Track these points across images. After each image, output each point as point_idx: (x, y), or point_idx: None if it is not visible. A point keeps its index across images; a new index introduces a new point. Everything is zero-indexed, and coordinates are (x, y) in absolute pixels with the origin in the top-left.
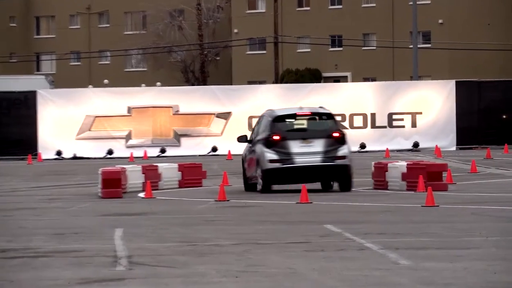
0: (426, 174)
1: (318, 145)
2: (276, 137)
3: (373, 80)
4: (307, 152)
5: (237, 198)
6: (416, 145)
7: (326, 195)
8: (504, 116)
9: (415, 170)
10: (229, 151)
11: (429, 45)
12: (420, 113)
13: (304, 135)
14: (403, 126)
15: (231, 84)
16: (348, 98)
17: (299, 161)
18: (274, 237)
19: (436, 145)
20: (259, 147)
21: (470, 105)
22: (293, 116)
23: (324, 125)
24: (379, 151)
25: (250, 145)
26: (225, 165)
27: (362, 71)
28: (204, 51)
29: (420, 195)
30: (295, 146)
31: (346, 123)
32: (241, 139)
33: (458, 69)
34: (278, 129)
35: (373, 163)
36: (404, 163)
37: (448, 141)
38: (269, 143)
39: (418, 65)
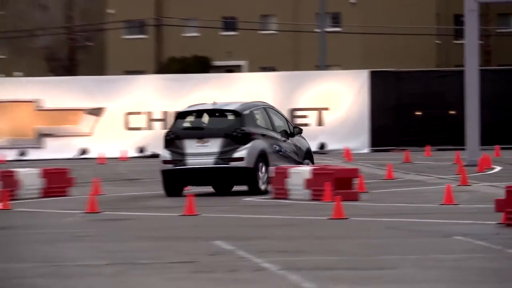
0: (333, 181)
1: (214, 146)
2: (172, 136)
3: (273, 70)
4: (201, 153)
5: (111, 210)
6: (322, 146)
7: (217, 205)
8: (417, 113)
9: (321, 176)
10: (101, 154)
11: (339, 29)
12: (328, 109)
13: (200, 134)
14: (308, 125)
15: (105, 75)
16: (243, 91)
17: (191, 162)
18: (154, 256)
19: (346, 147)
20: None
21: (387, 100)
22: (196, 112)
23: (225, 123)
24: None
25: None
26: (96, 170)
27: (260, 59)
28: (73, 36)
29: (327, 205)
30: (190, 146)
31: None
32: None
33: (372, 57)
34: (176, 127)
35: (271, 168)
36: (308, 168)
37: (360, 142)
38: (166, 142)
39: (326, 52)
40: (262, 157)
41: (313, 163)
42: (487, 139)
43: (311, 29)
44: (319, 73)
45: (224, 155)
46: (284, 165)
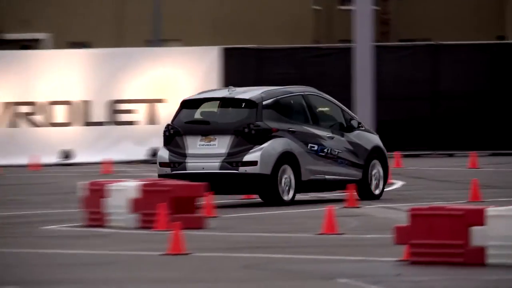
0: (171, 202)
1: (221, 145)
2: (172, 131)
3: (87, 46)
4: (205, 154)
5: None
6: (155, 153)
7: (4, 236)
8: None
9: (153, 194)
10: None
11: None
12: (163, 101)
13: (205, 130)
14: (134, 123)
15: None
16: (43, 75)
17: (192, 166)
18: None
19: None
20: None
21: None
22: (205, 101)
23: (237, 116)
24: (94, 163)
25: None
26: None
27: (68, 31)
28: None
29: (161, 236)
30: (192, 145)
31: (40, 117)
32: None
33: (225, 29)
34: (179, 119)
35: (82, 183)
36: (135, 184)
37: None
38: (166, 138)
39: (161, 22)
40: (287, 160)
41: (385, 167)
42: (383, 143)
43: None
44: (151, 51)
45: (232, 158)
46: (327, 168)
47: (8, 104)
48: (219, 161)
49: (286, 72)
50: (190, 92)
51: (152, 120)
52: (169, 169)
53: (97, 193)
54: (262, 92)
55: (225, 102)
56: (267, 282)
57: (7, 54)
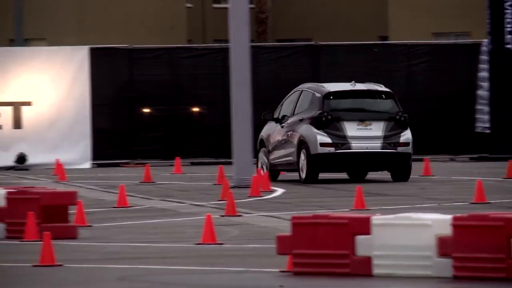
0: (40, 210)
1: (377, 129)
2: (329, 117)
3: None
4: (365, 136)
5: None
6: (22, 159)
7: None
8: (147, 110)
9: (21, 203)
10: None
11: None
12: (29, 103)
13: (362, 116)
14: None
15: None
16: None
17: (356, 146)
18: None
19: (58, 160)
20: (306, 128)
21: (117, 91)
22: (348, 93)
23: (384, 105)
24: None
25: (279, 123)
26: None
27: None
28: None
29: (30, 246)
30: (351, 129)
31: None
32: (268, 116)
33: (95, 28)
34: (330, 107)
35: None
36: (2, 192)
37: (78, 154)
38: (319, 123)
39: (24, 20)
40: None
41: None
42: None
43: None
44: (15, 51)
45: (389, 139)
46: None
47: None
48: (379, 142)
49: (158, 73)
50: (58, 93)
51: (17, 124)
52: (332, 148)
53: None
54: (383, 86)
55: (365, 94)
56: None
57: None
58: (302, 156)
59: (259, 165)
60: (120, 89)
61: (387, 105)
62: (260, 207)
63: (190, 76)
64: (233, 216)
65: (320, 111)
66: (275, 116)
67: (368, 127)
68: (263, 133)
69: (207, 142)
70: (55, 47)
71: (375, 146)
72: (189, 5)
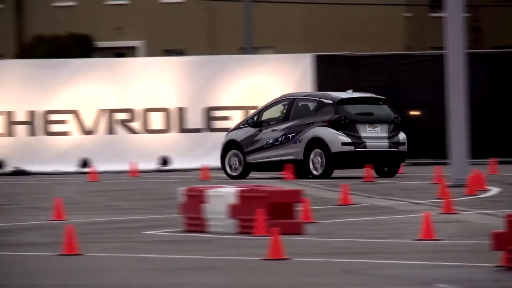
0: (268, 208)
1: (382, 130)
2: (346, 120)
3: (181, 53)
4: (376, 137)
5: None
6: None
7: (106, 241)
8: (412, 113)
9: (251, 200)
10: None
11: None
12: (258, 107)
13: (371, 119)
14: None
15: None
16: (141, 82)
17: (370, 145)
18: None
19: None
20: (322, 129)
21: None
22: (356, 99)
23: (385, 110)
24: (191, 169)
25: (256, 128)
26: None
27: (162, 39)
28: None
29: (260, 241)
30: (363, 130)
31: (136, 124)
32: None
33: (318, 37)
34: (345, 112)
35: (181, 189)
36: (233, 190)
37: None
38: (339, 125)
39: (253, 30)
40: None
41: None
42: (478, 150)
43: None
44: (245, 59)
45: (392, 140)
46: None
47: (104, 111)
48: (386, 142)
49: (378, 79)
50: None
51: None
52: (352, 147)
53: (196, 199)
54: (372, 94)
55: (368, 100)
56: None
57: (101, 61)
58: (313, 155)
59: (227, 165)
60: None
61: (386, 110)
62: (476, 205)
63: (409, 82)
64: (450, 213)
65: (338, 115)
66: (244, 123)
67: (376, 129)
68: (234, 137)
69: (424, 143)
70: (280, 55)
71: (384, 145)
72: (407, 14)
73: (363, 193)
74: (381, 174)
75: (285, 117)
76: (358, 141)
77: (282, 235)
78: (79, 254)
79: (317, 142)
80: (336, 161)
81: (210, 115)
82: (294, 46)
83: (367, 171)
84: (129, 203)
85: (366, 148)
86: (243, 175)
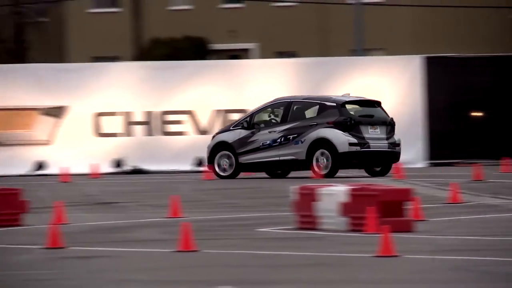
0: (379, 206)
1: (381, 132)
2: (352, 121)
3: (293, 55)
4: (376, 138)
5: (80, 244)
6: None
7: (221, 238)
8: (476, 114)
9: (362, 199)
10: (64, 169)
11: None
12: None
13: (372, 121)
14: None
15: (66, 62)
16: (255, 83)
17: (373, 145)
18: None
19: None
20: (328, 130)
21: (448, 97)
22: (356, 102)
23: (382, 112)
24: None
25: (248, 130)
26: (58, 191)
27: (275, 41)
28: (20, 8)
29: (370, 238)
30: (365, 132)
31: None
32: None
33: (427, 38)
34: (348, 114)
35: (294, 188)
36: (345, 188)
37: (412, 153)
38: (345, 126)
39: (364, 32)
40: None
41: None
42: None
43: (343, 0)
44: (356, 60)
45: (389, 141)
46: None
47: (219, 112)
48: (385, 142)
49: (487, 80)
50: (395, 98)
51: None
52: (358, 147)
53: (308, 197)
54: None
55: (366, 103)
56: (474, 284)
57: (216, 63)
58: (317, 155)
59: (216, 166)
60: (453, 94)
61: (382, 112)
62: None
63: None
64: None
65: (344, 117)
66: (235, 125)
67: (376, 130)
68: (225, 138)
69: None
70: (390, 57)
71: (384, 146)
72: None
73: (471, 191)
74: (372, 174)
75: (282, 119)
76: (362, 141)
77: (392, 233)
78: (194, 251)
79: (323, 143)
80: (342, 161)
81: None
82: (404, 48)
83: (475, 170)
84: (243, 201)
85: (370, 148)
86: (233, 175)
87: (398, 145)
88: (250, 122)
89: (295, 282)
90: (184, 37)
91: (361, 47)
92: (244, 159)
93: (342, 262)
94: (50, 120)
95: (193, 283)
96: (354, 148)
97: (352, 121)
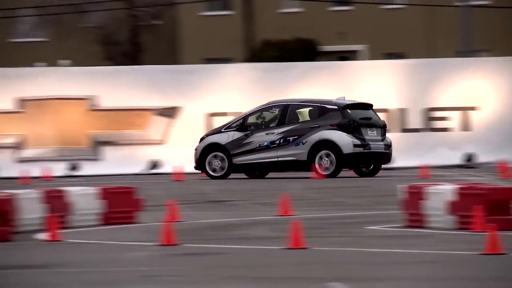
0: (486, 204)
1: (378, 134)
2: (355, 124)
3: (401, 57)
4: (374, 139)
5: (193, 241)
6: (469, 158)
7: (330, 236)
8: None
9: (470, 197)
10: (178, 168)
11: (487, 1)
12: (476, 108)
13: (371, 124)
14: (449, 129)
15: (179, 63)
16: (363, 84)
17: (374, 147)
18: None
19: (501, 159)
20: (331, 132)
21: None
22: (355, 105)
23: (375, 115)
24: (411, 167)
25: (241, 132)
26: (172, 189)
27: (383, 43)
28: (135, 12)
29: (477, 236)
30: (365, 133)
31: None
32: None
33: None
34: (350, 116)
35: (402, 186)
36: (452, 187)
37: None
38: (349, 129)
39: (472, 33)
40: None
41: None
42: None
43: (450, 2)
44: (463, 61)
45: (384, 142)
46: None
47: None
48: (382, 144)
49: None
50: (502, 99)
51: (465, 127)
52: (361, 148)
53: (416, 196)
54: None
55: (362, 106)
56: None
57: (325, 65)
58: (319, 156)
59: (208, 167)
60: None
61: (375, 115)
62: None
63: None
64: None
65: (347, 119)
66: (227, 127)
67: (373, 132)
68: (217, 140)
69: None
70: (495, 58)
71: (381, 147)
72: None
73: None
74: (361, 174)
75: (280, 122)
76: (364, 143)
77: (499, 231)
78: (304, 248)
79: (326, 144)
80: (346, 162)
81: (429, 115)
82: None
83: None
84: (350, 200)
85: (371, 149)
86: (225, 176)
87: (390, 146)
88: (244, 124)
89: (402, 279)
90: (294, 39)
91: (468, 48)
92: (238, 160)
93: (449, 260)
94: (163, 120)
95: (303, 279)
96: (358, 150)
97: (355, 123)
